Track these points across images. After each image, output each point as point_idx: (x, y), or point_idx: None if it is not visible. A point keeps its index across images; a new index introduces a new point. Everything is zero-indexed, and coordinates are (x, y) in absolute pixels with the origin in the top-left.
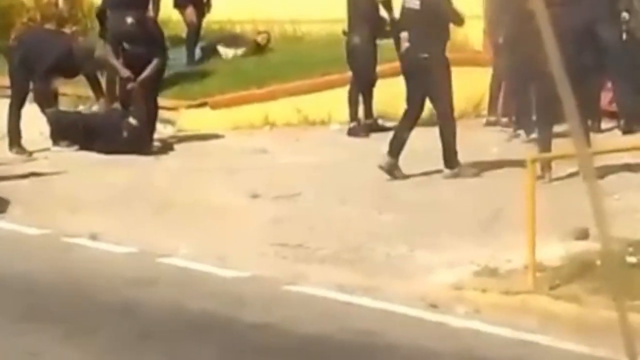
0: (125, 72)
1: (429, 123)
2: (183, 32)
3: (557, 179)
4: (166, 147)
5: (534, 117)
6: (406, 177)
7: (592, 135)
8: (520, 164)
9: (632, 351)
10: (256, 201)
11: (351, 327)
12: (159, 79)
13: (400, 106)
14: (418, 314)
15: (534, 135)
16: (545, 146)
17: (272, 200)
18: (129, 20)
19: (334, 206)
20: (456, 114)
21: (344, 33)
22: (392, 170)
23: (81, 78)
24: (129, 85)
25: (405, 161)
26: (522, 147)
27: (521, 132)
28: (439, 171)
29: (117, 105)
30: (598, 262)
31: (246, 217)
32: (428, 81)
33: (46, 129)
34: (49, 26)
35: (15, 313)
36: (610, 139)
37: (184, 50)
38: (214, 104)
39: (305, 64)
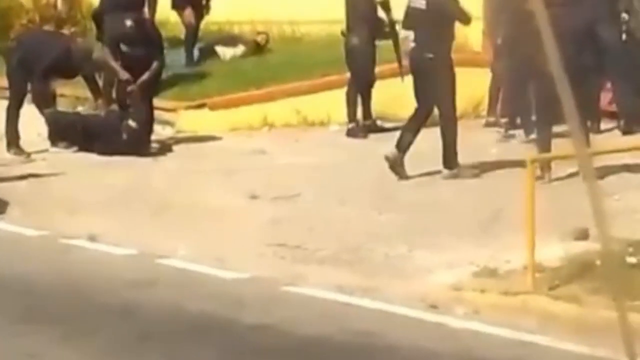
0: (125, 75)
1: (429, 124)
2: (181, 33)
3: (557, 179)
4: (165, 148)
5: (533, 118)
6: (407, 176)
7: (592, 136)
8: (519, 164)
9: (631, 351)
10: (255, 202)
11: (350, 327)
12: (156, 81)
13: (399, 107)
14: (417, 315)
15: (533, 136)
16: (544, 146)
17: (271, 201)
18: (128, 22)
19: (333, 207)
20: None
21: (343, 34)
22: (396, 165)
23: (79, 79)
24: (129, 88)
25: (405, 162)
26: (522, 147)
27: (515, 132)
28: (438, 172)
29: (114, 107)
30: (598, 263)
31: (245, 218)
32: (432, 81)
33: (44, 130)
34: (47, 27)
35: (14, 314)
36: (610, 140)
37: (183, 51)
38: (212, 105)
39: (304, 64)
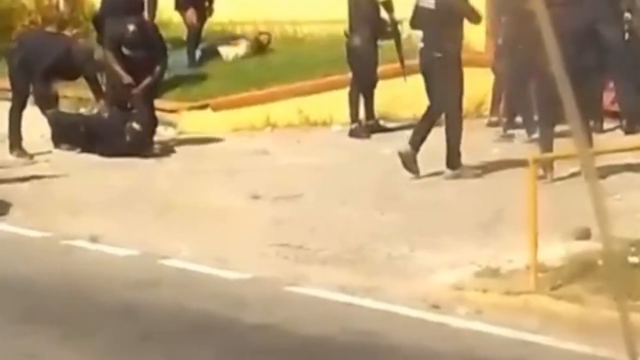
0: (127, 79)
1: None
2: (184, 34)
3: (559, 179)
4: (167, 149)
5: (535, 117)
6: (418, 172)
7: (595, 136)
8: (522, 164)
9: (633, 351)
10: (257, 202)
11: (352, 328)
12: (158, 83)
13: (401, 107)
14: (419, 315)
15: (535, 135)
16: (547, 146)
17: (274, 201)
18: (130, 26)
19: (335, 207)
20: None
21: (345, 34)
22: (408, 162)
23: (82, 80)
24: (132, 91)
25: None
26: (524, 147)
27: (514, 132)
28: (440, 172)
29: (115, 108)
30: (600, 262)
31: (247, 218)
32: (440, 80)
33: (47, 131)
34: (50, 29)
35: (15, 314)
36: (613, 139)
37: (185, 52)
38: (215, 106)
39: (307, 65)
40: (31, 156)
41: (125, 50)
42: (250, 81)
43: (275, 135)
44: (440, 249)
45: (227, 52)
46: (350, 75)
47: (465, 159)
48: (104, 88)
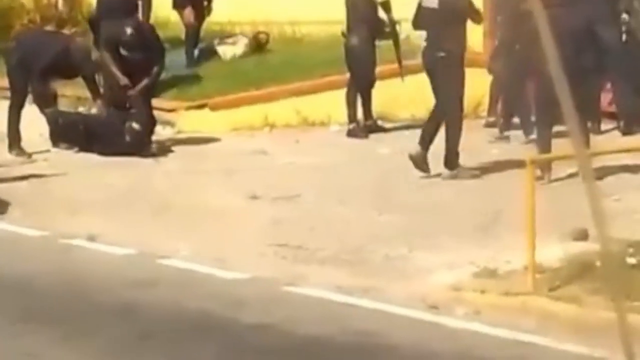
0: (124, 80)
1: None
2: (182, 33)
3: (557, 179)
4: (165, 148)
5: (532, 118)
6: (429, 171)
7: (592, 137)
8: (519, 164)
9: (630, 352)
10: (256, 202)
11: (351, 328)
12: (155, 84)
13: (399, 107)
14: (418, 315)
15: (533, 136)
16: (544, 147)
17: (272, 201)
18: (128, 27)
19: (333, 207)
20: None
21: (343, 34)
22: (420, 162)
23: (80, 79)
24: (129, 93)
25: (405, 162)
26: (522, 148)
27: (510, 133)
28: (438, 173)
29: (112, 109)
30: (597, 263)
31: (246, 218)
32: (442, 79)
33: (46, 130)
34: (48, 28)
35: (14, 314)
36: (610, 140)
37: (183, 51)
38: (213, 106)
39: (305, 65)
40: (30, 155)
41: (123, 52)
42: (248, 81)
43: (273, 135)
44: (438, 250)
45: (225, 51)
46: (348, 75)
47: (463, 159)
48: (101, 90)
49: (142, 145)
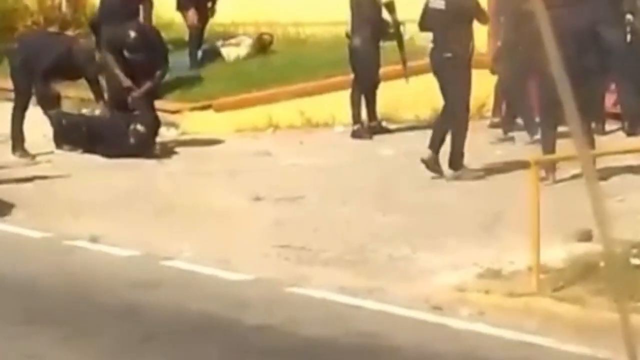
0: (127, 82)
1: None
2: (186, 35)
3: (561, 180)
4: (169, 150)
5: (537, 119)
6: (442, 173)
7: (596, 137)
8: (523, 165)
9: (633, 353)
10: (259, 204)
11: (354, 329)
12: (158, 87)
13: (404, 108)
14: (421, 316)
15: (537, 137)
16: (549, 148)
17: (275, 202)
18: (131, 30)
19: (337, 208)
20: None
21: (347, 35)
22: (432, 165)
23: (84, 81)
24: (132, 94)
25: (409, 163)
26: (526, 148)
27: (514, 134)
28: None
29: (116, 110)
30: (601, 264)
31: (249, 219)
32: (449, 80)
33: (49, 131)
34: (52, 29)
35: (16, 315)
36: (614, 141)
37: (187, 53)
38: (217, 107)
39: (309, 66)
40: (33, 157)
41: (126, 54)
42: (252, 82)
43: (277, 136)
44: (442, 251)
45: (229, 52)
46: (352, 76)
47: (467, 160)
48: (105, 95)
49: (146, 147)
